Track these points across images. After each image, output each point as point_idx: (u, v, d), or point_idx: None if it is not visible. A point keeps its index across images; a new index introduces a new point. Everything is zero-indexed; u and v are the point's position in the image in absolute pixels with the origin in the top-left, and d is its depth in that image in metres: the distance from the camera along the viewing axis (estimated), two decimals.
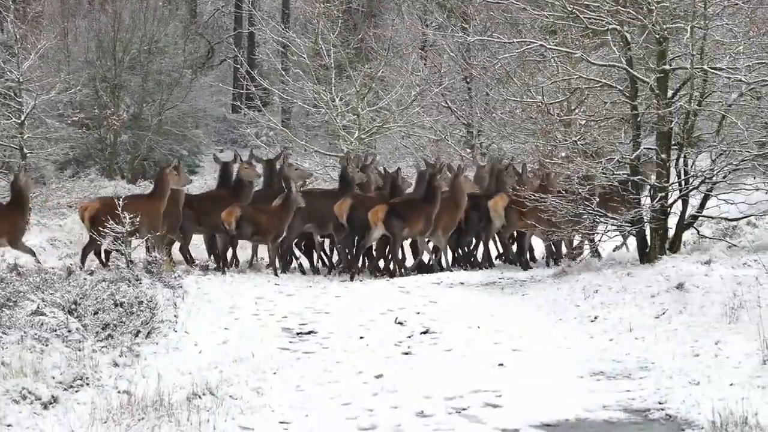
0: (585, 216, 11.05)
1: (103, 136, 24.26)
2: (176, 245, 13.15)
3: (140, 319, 8.23)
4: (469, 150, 19.74)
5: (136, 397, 6.37)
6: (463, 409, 6.45)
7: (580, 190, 11.00)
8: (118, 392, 6.57)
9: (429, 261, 13.28)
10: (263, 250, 13.36)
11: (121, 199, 11.44)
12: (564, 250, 13.23)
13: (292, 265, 13.30)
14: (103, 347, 7.55)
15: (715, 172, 10.95)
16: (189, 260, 12.96)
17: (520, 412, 6.28)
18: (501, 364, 7.54)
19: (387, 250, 13.02)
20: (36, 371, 6.62)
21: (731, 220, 11.87)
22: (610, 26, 10.75)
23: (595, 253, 12.43)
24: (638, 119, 10.87)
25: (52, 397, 6.33)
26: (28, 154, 18.52)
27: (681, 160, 11.07)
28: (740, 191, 11.28)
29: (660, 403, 6.39)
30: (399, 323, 9.19)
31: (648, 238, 10.93)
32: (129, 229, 11.19)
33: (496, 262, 13.72)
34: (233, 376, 7.10)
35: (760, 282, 8.29)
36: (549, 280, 11.18)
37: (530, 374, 7.22)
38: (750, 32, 10.57)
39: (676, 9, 11.01)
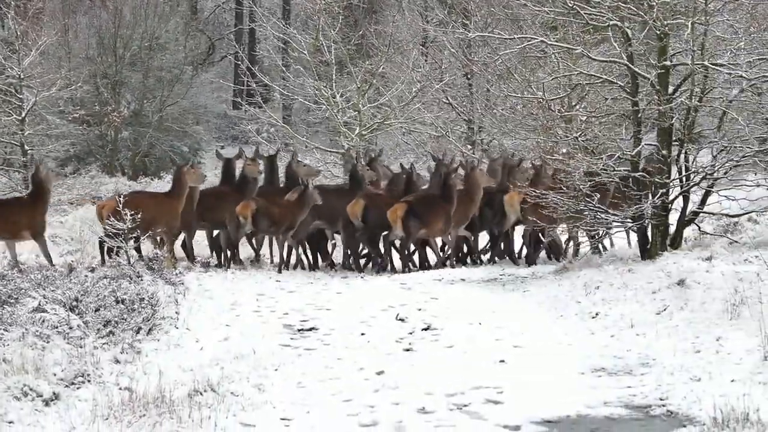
0: (586, 212, 11.04)
1: (103, 133, 24.26)
2: (178, 241, 13.15)
3: (141, 316, 8.23)
4: (469, 146, 19.72)
5: (138, 393, 6.36)
6: (465, 406, 6.45)
7: (581, 186, 10.98)
8: (120, 389, 6.57)
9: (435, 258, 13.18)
10: (263, 249, 13.37)
11: (134, 196, 11.47)
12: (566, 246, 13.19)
13: (293, 261, 13.29)
14: (104, 344, 7.55)
15: (716, 169, 10.96)
16: (191, 257, 12.96)
17: (522, 409, 6.28)
18: (502, 361, 7.54)
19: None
20: (37, 368, 6.62)
21: (732, 216, 11.87)
22: (611, 22, 10.74)
23: (596, 250, 12.42)
24: (639, 115, 10.86)
25: (54, 393, 6.33)
26: (28, 151, 18.52)
27: (682, 156, 11.08)
28: (741, 187, 11.27)
29: (661, 399, 6.38)
30: (400, 320, 9.18)
31: (649, 234, 10.93)
32: (130, 226, 11.20)
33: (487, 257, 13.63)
34: (234, 373, 7.10)
35: (761, 278, 8.26)
36: (550, 276, 11.18)
37: (531, 370, 7.21)
38: (751, 28, 10.57)
39: (677, 5, 11.01)
